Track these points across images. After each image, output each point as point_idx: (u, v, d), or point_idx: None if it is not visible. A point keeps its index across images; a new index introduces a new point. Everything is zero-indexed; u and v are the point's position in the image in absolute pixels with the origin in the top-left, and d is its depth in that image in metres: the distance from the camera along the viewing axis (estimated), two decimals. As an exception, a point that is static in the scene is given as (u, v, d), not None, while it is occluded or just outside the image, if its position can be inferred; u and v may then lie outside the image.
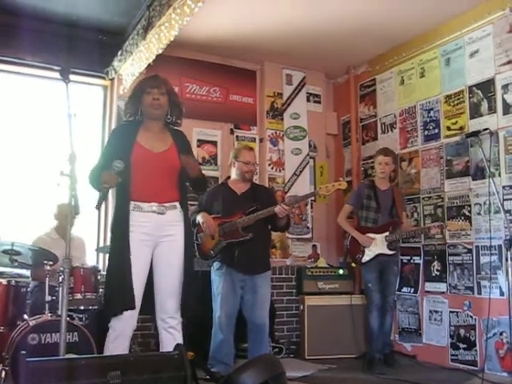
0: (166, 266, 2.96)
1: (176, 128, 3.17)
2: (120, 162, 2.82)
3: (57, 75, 2.71)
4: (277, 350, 4.97)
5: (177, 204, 3.02)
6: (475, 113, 4.51)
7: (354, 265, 4.72)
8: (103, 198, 3.01)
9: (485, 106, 4.42)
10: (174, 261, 2.96)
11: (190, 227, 3.18)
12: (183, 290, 2.95)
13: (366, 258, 4.48)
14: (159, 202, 2.94)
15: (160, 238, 2.96)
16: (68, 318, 2.88)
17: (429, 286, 4.81)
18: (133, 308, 2.84)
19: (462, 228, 4.35)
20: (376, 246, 4.46)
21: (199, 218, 3.98)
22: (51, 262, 3.63)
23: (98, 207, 2.98)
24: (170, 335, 2.92)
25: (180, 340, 2.88)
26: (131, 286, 2.83)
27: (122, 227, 2.91)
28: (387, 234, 4.47)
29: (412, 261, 4.99)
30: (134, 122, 3.08)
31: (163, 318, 2.95)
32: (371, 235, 4.49)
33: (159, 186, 2.97)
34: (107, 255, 4.76)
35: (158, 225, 2.94)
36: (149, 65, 4.46)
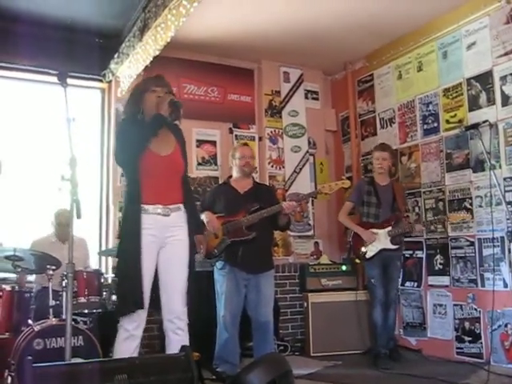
0: (171, 268, 2.95)
1: (175, 123, 3.13)
2: None
3: (54, 79, 2.69)
4: (282, 347, 4.98)
5: (181, 206, 3.02)
6: (474, 105, 4.50)
7: (357, 261, 4.71)
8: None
9: (483, 98, 4.42)
10: (179, 262, 2.96)
11: (194, 228, 3.14)
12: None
13: (369, 254, 4.47)
14: (164, 204, 2.94)
15: (165, 239, 2.96)
16: (73, 322, 2.88)
17: (432, 280, 4.81)
18: (143, 307, 2.84)
19: (464, 219, 4.35)
20: (379, 241, 4.45)
21: (203, 217, 3.97)
22: (54, 267, 3.62)
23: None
24: (178, 336, 2.90)
25: (187, 342, 2.87)
26: (142, 286, 2.84)
27: (134, 229, 2.89)
28: (390, 228, 4.47)
29: (415, 255, 4.99)
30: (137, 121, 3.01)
31: (170, 318, 2.94)
32: (374, 230, 4.48)
33: (164, 188, 2.96)
34: (110, 258, 4.80)
35: (163, 226, 2.93)
36: (146, 66, 4.46)
